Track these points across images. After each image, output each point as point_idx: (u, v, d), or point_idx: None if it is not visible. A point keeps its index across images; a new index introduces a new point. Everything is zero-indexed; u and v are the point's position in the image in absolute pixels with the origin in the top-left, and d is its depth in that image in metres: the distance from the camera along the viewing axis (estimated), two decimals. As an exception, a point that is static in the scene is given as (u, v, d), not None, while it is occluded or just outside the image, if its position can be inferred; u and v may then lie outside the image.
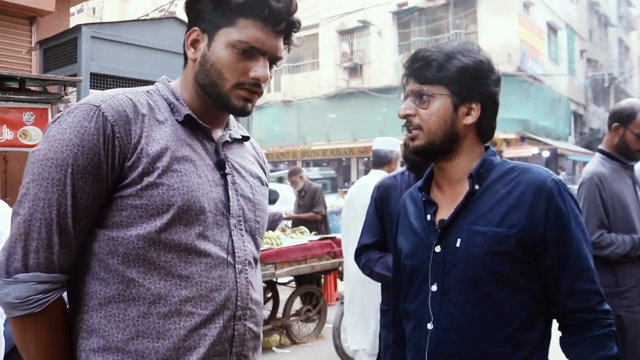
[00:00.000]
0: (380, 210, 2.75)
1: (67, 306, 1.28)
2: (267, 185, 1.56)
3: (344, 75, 26.04)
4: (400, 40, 24.76)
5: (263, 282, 5.65)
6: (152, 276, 1.22)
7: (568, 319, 1.45)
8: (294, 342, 5.81)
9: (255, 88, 1.31)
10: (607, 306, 1.45)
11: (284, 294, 6.15)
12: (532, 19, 23.61)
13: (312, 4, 26.87)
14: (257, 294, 1.39)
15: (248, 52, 1.28)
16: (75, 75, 5.52)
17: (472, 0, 22.78)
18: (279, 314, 5.87)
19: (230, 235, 1.32)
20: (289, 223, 8.16)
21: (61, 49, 6.15)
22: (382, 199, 2.75)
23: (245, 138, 1.52)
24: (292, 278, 6.27)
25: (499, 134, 20.01)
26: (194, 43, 1.33)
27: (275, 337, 5.80)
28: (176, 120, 1.32)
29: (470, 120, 1.51)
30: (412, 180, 2.70)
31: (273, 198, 13.18)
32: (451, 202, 1.54)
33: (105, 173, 1.19)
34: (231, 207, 1.33)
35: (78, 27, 5.90)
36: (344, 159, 26.79)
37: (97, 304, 1.22)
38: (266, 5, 1.27)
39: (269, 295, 6.04)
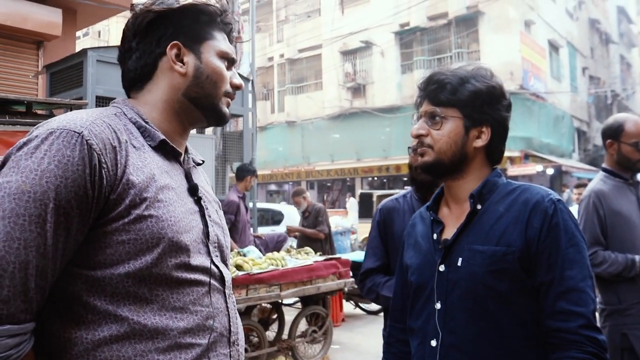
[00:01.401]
0: (384, 233, 2.71)
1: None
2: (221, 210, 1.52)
3: (347, 96, 26.16)
4: (403, 60, 24.90)
5: (269, 303, 5.66)
6: (146, 312, 1.13)
7: (551, 338, 1.42)
8: (300, 364, 5.77)
9: (234, 95, 1.39)
10: (595, 334, 1.38)
11: (289, 315, 6.12)
12: (534, 37, 23.74)
13: (315, 25, 27.12)
14: (239, 317, 1.37)
15: (229, 62, 1.36)
16: (81, 98, 5.59)
17: (473, 19, 22.94)
18: (285, 335, 5.84)
19: (213, 262, 1.28)
20: (294, 244, 8.15)
21: (67, 73, 6.23)
22: (384, 222, 2.70)
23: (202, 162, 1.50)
24: (297, 299, 6.25)
25: (502, 152, 19.97)
26: (176, 57, 1.31)
27: (281, 359, 5.76)
28: (149, 145, 1.25)
29: (480, 143, 1.55)
30: (415, 202, 2.66)
31: (278, 219, 13.18)
32: (456, 221, 1.57)
33: (89, 208, 1.08)
34: (210, 234, 1.29)
35: (84, 51, 5.97)
36: (348, 179, 26.80)
37: (84, 349, 1.09)
38: (229, 19, 1.37)
39: (275, 316, 6.01)
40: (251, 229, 7.48)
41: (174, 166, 1.29)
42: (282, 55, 29.02)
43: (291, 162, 27.89)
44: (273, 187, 30.61)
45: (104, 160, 1.10)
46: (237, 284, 4.79)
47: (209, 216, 1.32)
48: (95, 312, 1.10)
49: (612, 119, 3.16)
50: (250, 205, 8.55)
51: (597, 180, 3.10)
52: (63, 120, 1.13)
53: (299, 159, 27.71)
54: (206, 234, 1.28)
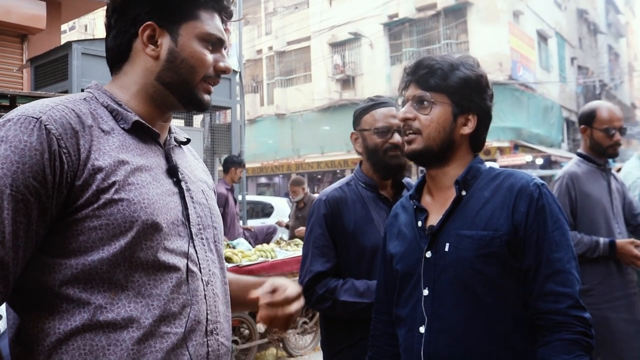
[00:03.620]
0: (332, 228, 2.29)
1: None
2: (214, 191, 1.47)
3: (337, 88, 26.11)
4: (392, 51, 24.86)
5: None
6: (121, 299, 1.10)
7: (539, 320, 1.44)
8: (290, 355, 5.78)
9: (218, 79, 1.31)
10: (583, 313, 1.43)
11: (280, 306, 6.11)
12: (522, 27, 23.76)
13: (303, 17, 27.02)
14: (225, 306, 1.32)
15: (214, 44, 1.28)
16: (66, 92, 5.53)
17: (462, 10, 22.92)
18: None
19: (194, 246, 1.23)
20: (284, 235, 8.13)
21: (52, 66, 6.17)
22: (332, 215, 2.29)
23: (188, 140, 1.45)
24: (288, 290, 6.24)
25: (492, 143, 20.09)
26: (150, 39, 1.24)
27: (272, 350, 5.76)
28: (122, 128, 1.21)
29: (467, 130, 1.57)
30: (362, 190, 2.36)
31: (268, 211, 13.17)
32: (441, 208, 1.58)
33: (51, 194, 1.05)
34: (190, 216, 1.25)
35: (69, 44, 5.92)
36: (338, 170, 26.79)
37: (56, 340, 1.07)
38: None
39: (265, 308, 6.00)
40: (240, 222, 7.47)
41: (151, 148, 1.25)
42: (270, 48, 28.90)
43: (281, 155, 27.83)
44: (263, 180, 30.55)
45: (64, 145, 1.08)
46: (227, 276, 4.77)
47: (191, 197, 1.28)
48: (69, 301, 1.08)
49: (587, 105, 3.30)
50: (240, 198, 8.52)
51: (572, 163, 3.22)
52: (24, 107, 1.11)
53: (289, 151, 27.64)
54: (186, 215, 1.24)
